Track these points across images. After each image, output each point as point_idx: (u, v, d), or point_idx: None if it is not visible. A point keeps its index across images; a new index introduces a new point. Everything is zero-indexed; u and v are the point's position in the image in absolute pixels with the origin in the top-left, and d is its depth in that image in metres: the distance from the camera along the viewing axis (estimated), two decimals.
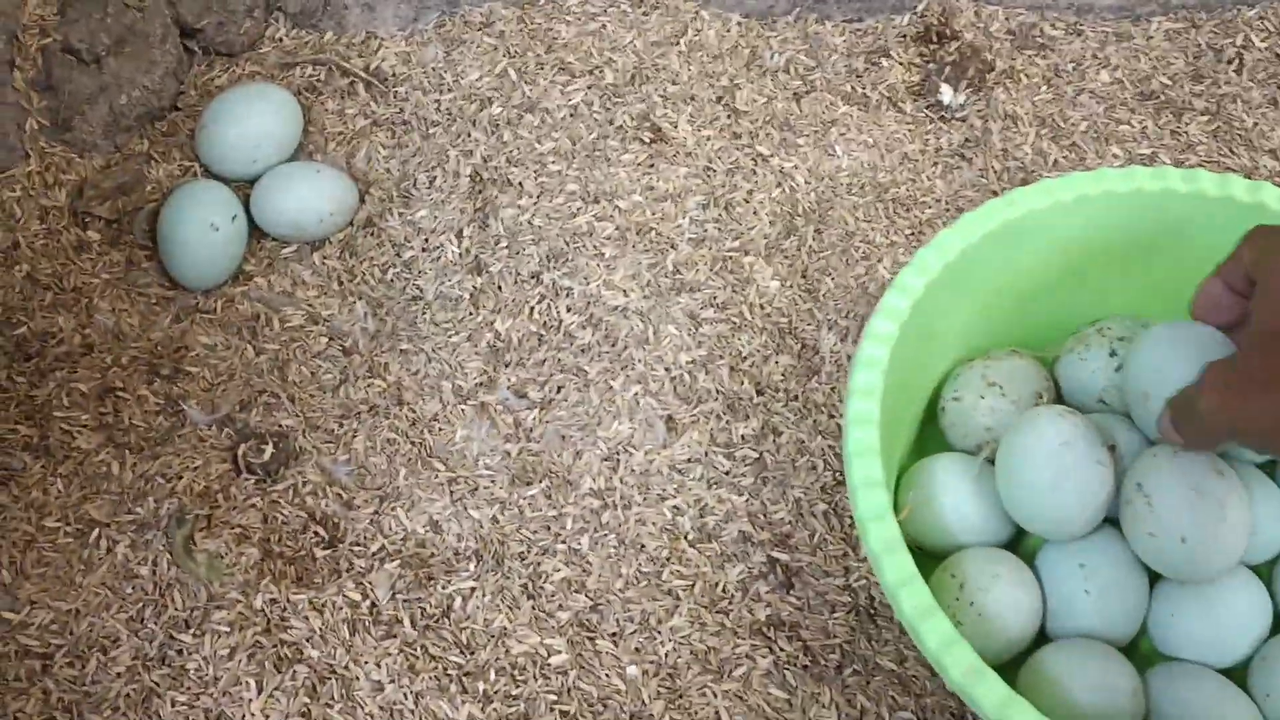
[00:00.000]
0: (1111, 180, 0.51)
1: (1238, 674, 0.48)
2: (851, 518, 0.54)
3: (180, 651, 0.51)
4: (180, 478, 0.56)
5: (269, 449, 0.58)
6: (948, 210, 0.64)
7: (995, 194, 0.65)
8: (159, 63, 0.64)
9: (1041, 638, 0.49)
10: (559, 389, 0.59)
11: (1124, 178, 0.52)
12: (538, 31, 0.67)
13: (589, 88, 0.65)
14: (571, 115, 0.65)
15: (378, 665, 0.51)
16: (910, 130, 0.67)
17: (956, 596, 0.48)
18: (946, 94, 0.67)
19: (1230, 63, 0.68)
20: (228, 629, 0.51)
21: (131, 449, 0.57)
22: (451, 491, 0.57)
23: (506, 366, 0.60)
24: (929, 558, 0.51)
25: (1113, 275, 0.55)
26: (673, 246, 0.61)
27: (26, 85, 0.63)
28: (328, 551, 0.55)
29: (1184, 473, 0.46)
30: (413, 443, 0.58)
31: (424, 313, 0.62)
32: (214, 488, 0.56)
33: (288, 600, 0.52)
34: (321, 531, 0.56)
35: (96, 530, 0.54)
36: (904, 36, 0.69)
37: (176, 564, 0.53)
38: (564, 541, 0.55)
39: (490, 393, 0.59)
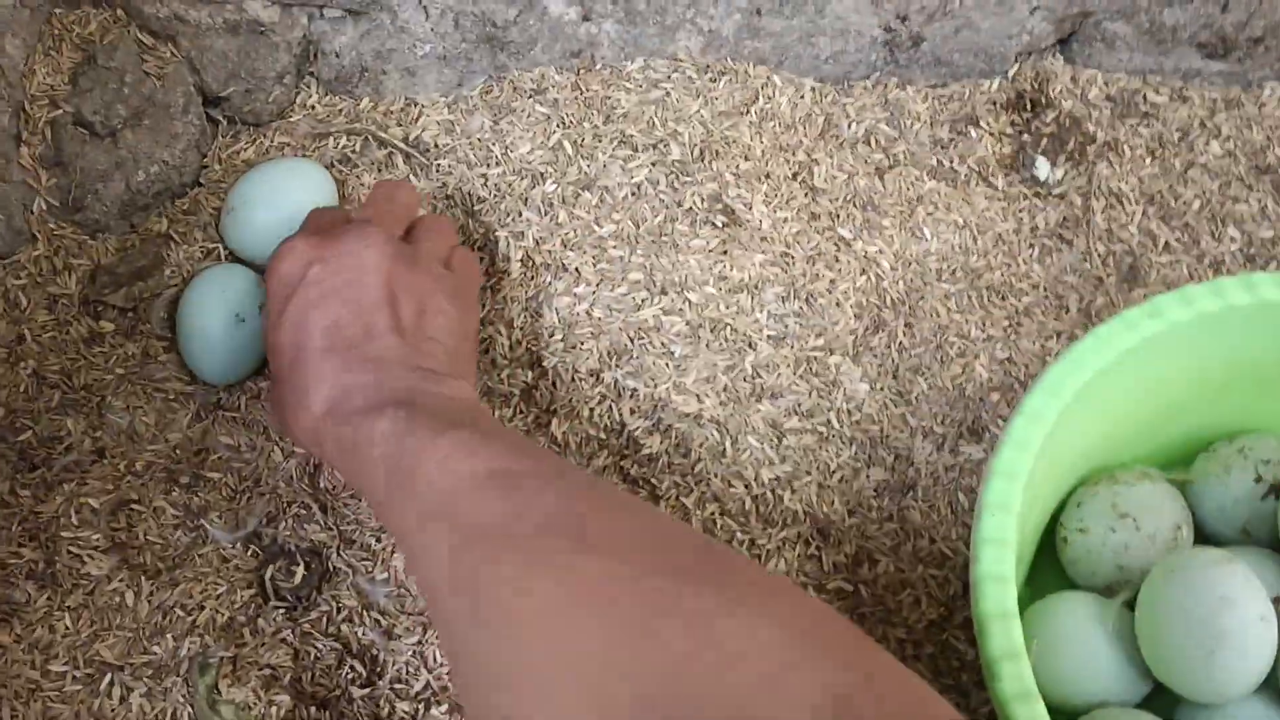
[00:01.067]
0: (1264, 288, 0.45)
1: None
2: (961, 662, 0.48)
3: None
4: (202, 608, 0.50)
5: (300, 570, 0.52)
6: (1047, 298, 0.58)
7: (1099, 280, 0.59)
8: (180, 135, 0.58)
9: None
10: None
11: (1275, 284, 0.45)
12: (594, 100, 0.61)
13: (653, 164, 0.59)
14: (634, 195, 0.59)
15: None
16: (1003, 208, 0.61)
17: None
18: (1043, 168, 0.61)
19: None
20: None
21: (148, 573, 0.51)
22: None
23: None
24: (1050, 714, 0.45)
25: (1255, 389, 0.49)
26: (750, 346, 0.55)
27: (34, 162, 0.57)
28: (365, 691, 0.49)
29: None
30: None
31: None
32: (239, 619, 0.50)
33: None
34: (359, 667, 0.50)
35: (109, 675, 0.48)
36: (994, 104, 0.63)
37: (198, 719, 0.47)
38: None
39: None
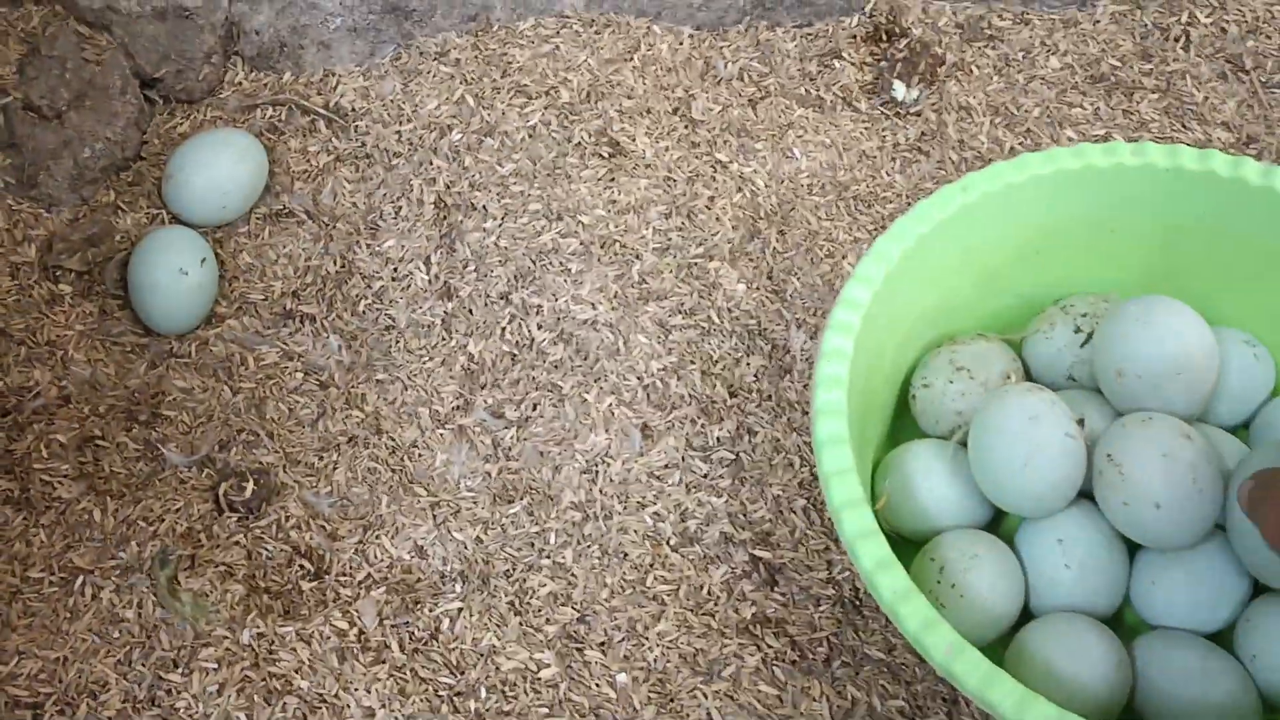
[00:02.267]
0: (1063, 159, 0.52)
1: (1223, 638, 0.48)
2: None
3: (169, 691, 0.51)
4: (162, 520, 0.56)
5: (250, 486, 0.58)
6: (908, 204, 0.65)
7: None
8: (120, 114, 0.65)
9: (1026, 616, 0.49)
10: (534, 406, 0.59)
11: (1075, 155, 0.52)
12: (493, 57, 0.68)
13: (546, 108, 0.66)
14: (530, 136, 0.65)
15: (368, 691, 0.51)
16: (866, 128, 0.67)
17: (938, 580, 0.48)
18: (900, 90, 0.67)
19: (1177, 40, 0.69)
20: (215, 665, 0.51)
21: (113, 495, 0.57)
22: (434, 516, 0.57)
23: (482, 388, 0.60)
24: (910, 545, 0.52)
25: (1073, 253, 0.55)
26: (638, 257, 0.62)
27: None
28: (314, 584, 0.55)
29: (1153, 440, 0.47)
30: (393, 470, 0.59)
31: (398, 341, 0.62)
32: (196, 528, 0.56)
33: (275, 633, 0.52)
34: (307, 564, 0.56)
35: (81, 578, 0.54)
36: (854, 37, 0.70)
37: (162, 605, 0.53)
38: (548, 556, 0.55)
39: (467, 415, 0.60)
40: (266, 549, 0.56)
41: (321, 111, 0.68)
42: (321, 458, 0.59)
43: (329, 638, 0.52)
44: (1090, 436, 0.49)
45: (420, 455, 0.59)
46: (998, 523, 0.52)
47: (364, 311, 0.64)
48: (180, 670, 0.51)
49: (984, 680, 0.40)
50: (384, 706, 0.50)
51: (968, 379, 0.53)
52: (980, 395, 0.52)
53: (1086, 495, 0.50)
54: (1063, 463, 0.48)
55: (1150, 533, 0.47)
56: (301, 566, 0.56)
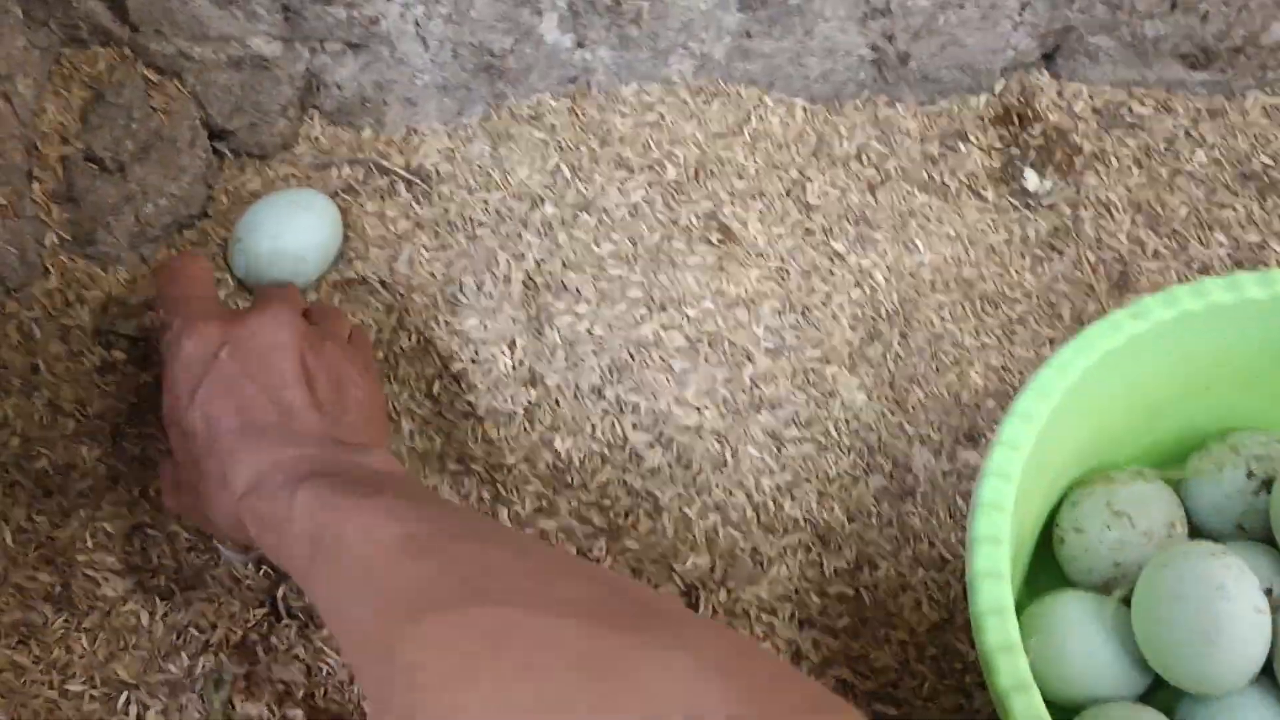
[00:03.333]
0: (1248, 286, 0.46)
1: None
2: (963, 664, 0.49)
3: None
4: (215, 627, 0.51)
5: None
6: (1039, 306, 0.59)
7: (1090, 288, 0.60)
8: (187, 168, 0.60)
9: None
10: (626, 515, 0.54)
11: (1260, 283, 0.46)
12: (591, 124, 0.63)
13: (649, 185, 0.60)
14: (632, 215, 0.60)
15: None
16: (994, 220, 0.62)
17: None
18: (1032, 180, 0.62)
19: None
20: None
21: (162, 594, 0.52)
22: None
23: (568, 488, 0.55)
24: (1051, 710, 0.46)
25: (1244, 386, 0.50)
26: (748, 358, 0.56)
27: (46, 197, 0.59)
28: None
29: None
30: None
31: (474, 430, 0.57)
32: (252, 637, 0.51)
33: None
34: None
35: (125, 693, 0.49)
36: (981, 119, 0.65)
37: None
38: None
39: (550, 518, 0.54)
40: (328, 663, 0.51)
41: (403, 173, 0.63)
42: None
43: None
44: (1274, 603, 0.44)
45: None
46: (1154, 692, 0.46)
47: (439, 394, 0.58)
48: None
49: None
50: None
51: (1128, 527, 0.47)
52: (1141, 546, 0.47)
53: (1269, 672, 0.44)
54: (1250, 641, 0.42)
55: None
56: None
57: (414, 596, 0.37)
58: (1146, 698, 0.46)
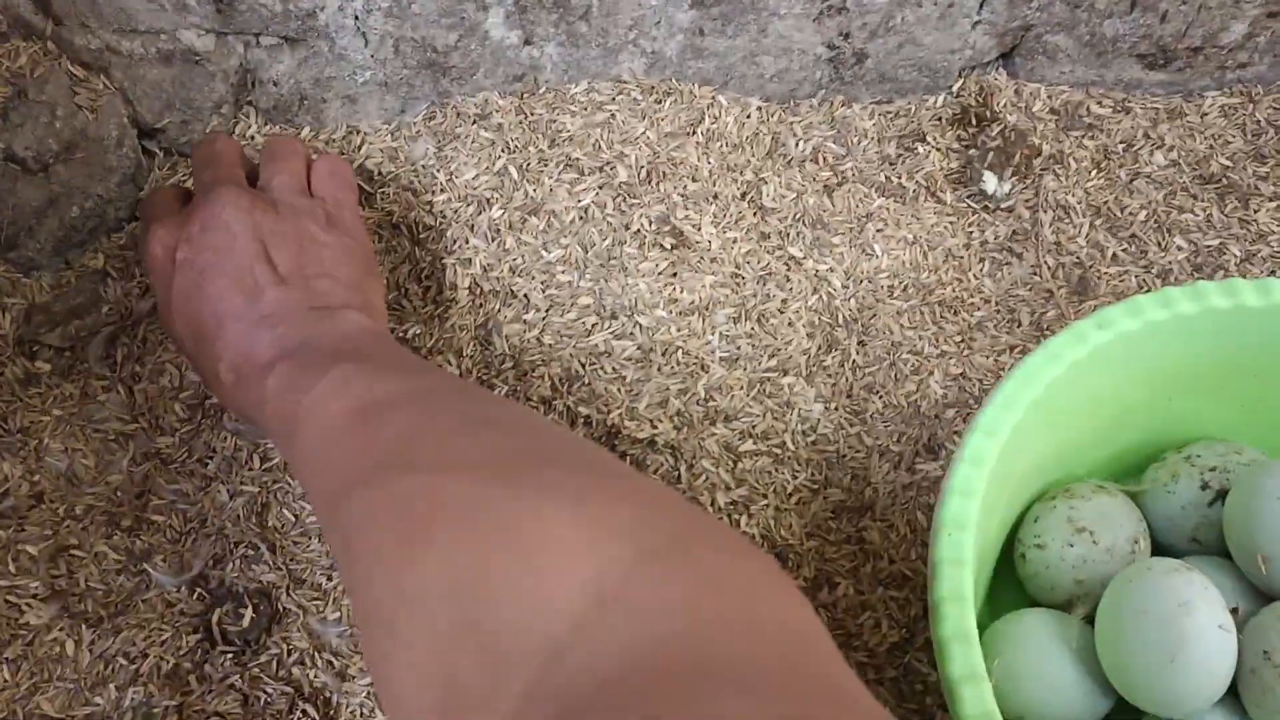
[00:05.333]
0: (1211, 296, 0.45)
1: None
2: (924, 685, 0.47)
3: None
4: (146, 656, 0.49)
5: (248, 613, 0.50)
6: (998, 312, 0.58)
7: (1050, 293, 0.59)
8: (115, 169, 0.57)
9: None
10: None
11: (1223, 292, 0.46)
12: (539, 123, 0.61)
13: (600, 187, 0.58)
14: (582, 218, 0.58)
15: None
16: (952, 223, 0.61)
17: None
18: (990, 182, 0.61)
19: None
20: None
21: (89, 621, 0.49)
22: None
23: None
24: None
25: (1206, 397, 0.49)
26: (703, 368, 0.54)
27: None
28: None
29: None
30: None
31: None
32: (184, 666, 0.49)
33: None
34: (311, 711, 0.49)
35: None
36: (939, 119, 0.63)
37: None
38: None
39: None
40: (266, 692, 0.49)
41: None
42: (330, 577, 0.52)
43: None
44: (1239, 621, 0.43)
45: None
46: (1117, 714, 0.45)
47: None
48: None
49: None
50: None
51: (1089, 543, 0.46)
52: (1105, 562, 0.45)
53: (1233, 693, 0.43)
54: (1214, 660, 0.41)
55: None
56: (305, 713, 0.48)
57: (349, 471, 0.37)
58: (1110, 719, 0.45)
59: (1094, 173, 0.62)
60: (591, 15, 0.57)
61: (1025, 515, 0.49)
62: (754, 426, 0.53)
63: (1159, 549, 0.48)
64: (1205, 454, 0.48)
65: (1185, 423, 0.50)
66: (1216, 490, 0.47)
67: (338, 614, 0.51)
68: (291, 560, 0.52)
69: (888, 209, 0.60)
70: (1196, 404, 0.49)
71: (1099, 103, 0.64)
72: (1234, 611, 0.42)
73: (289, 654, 0.50)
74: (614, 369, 0.54)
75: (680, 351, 0.55)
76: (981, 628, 0.46)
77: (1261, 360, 0.47)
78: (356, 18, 0.56)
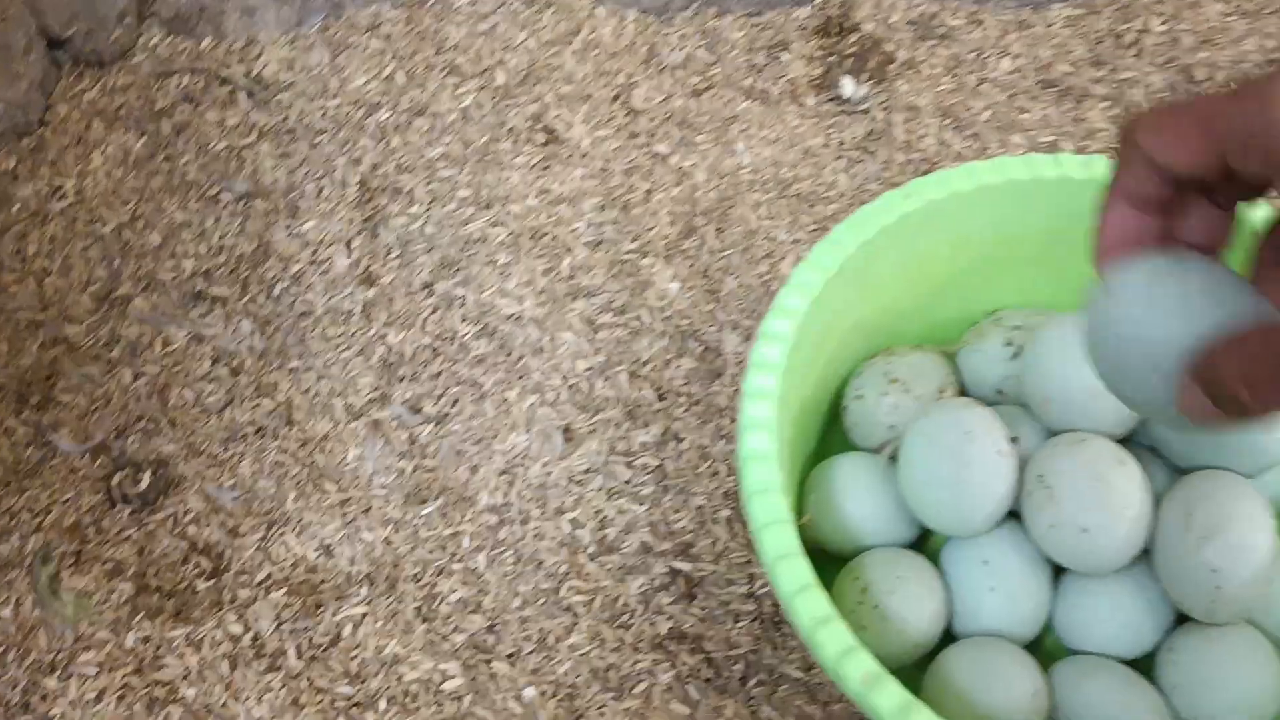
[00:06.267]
0: (1012, 169, 0.50)
1: (1143, 666, 0.46)
2: None
3: (44, 697, 0.47)
4: (48, 511, 0.53)
5: (146, 477, 0.55)
6: (851, 205, 0.63)
7: (899, 187, 0.63)
8: (23, 75, 0.61)
9: (950, 637, 0.48)
10: (454, 402, 0.57)
11: (1024, 165, 0.50)
12: (426, 33, 0.65)
13: (480, 89, 0.63)
14: (462, 119, 0.62)
15: (259, 701, 0.48)
16: (813, 125, 0.65)
17: (859, 601, 0.46)
18: (848, 87, 0.65)
19: (1130, 47, 0.68)
20: (95, 671, 0.48)
21: None
22: (344, 514, 0.54)
23: (400, 381, 0.58)
24: (836, 561, 0.50)
25: (1018, 266, 0.54)
26: (568, 250, 0.59)
27: None
28: (210, 583, 0.52)
29: (1084, 463, 0.45)
30: (303, 464, 0.56)
31: (314, 328, 0.59)
32: (85, 521, 0.53)
33: (163, 637, 0.49)
34: (204, 562, 0.53)
35: None
36: (804, 29, 0.68)
37: (41, 604, 0.50)
38: (460, 560, 0.52)
39: (383, 409, 0.57)
40: (161, 545, 0.53)
41: (242, 82, 0.64)
42: (227, 448, 0.56)
43: (221, 643, 0.49)
44: (1021, 455, 0.48)
45: (332, 449, 0.56)
46: (923, 541, 0.50)
47: (280, 295, 0.60)
48: (57, 675, 0.48)
49: (899, 712, 0.38)
50: (276, 717, 0.48)
51: (901, 392, 0.51)
52: (914, 409, 0.50)
53: (1015, 515, 0.48)
54: (993, 481, 0.46)
55: (1076, 557, 0.45)
56: (198, 564, 0.53)
57: None
58: (916, 546, 0.50)
59: (945, 78, 0.67)
60: None
61: (852, 374, 0.53)
62: (612, 302, 0.58)
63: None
64: (1011, 317, 0.53)
65: (999, 293, 0.55)
66: (1018, 347, 0.52)
67: (233, 480, 0.55)
68: (190, 434, 0.56)
69: (752, 111, 0.65)
70: (1008, 274, 0.54)
71: (953, 15, 0.69)
72: (1014, 440, 0.47)
73: (185, 514, 0.54)
74: (488, 254, 0.59)
75: (548, 236, 0.59)
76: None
77: (1062, 228, 0.52)
78: None
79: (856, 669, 0.39)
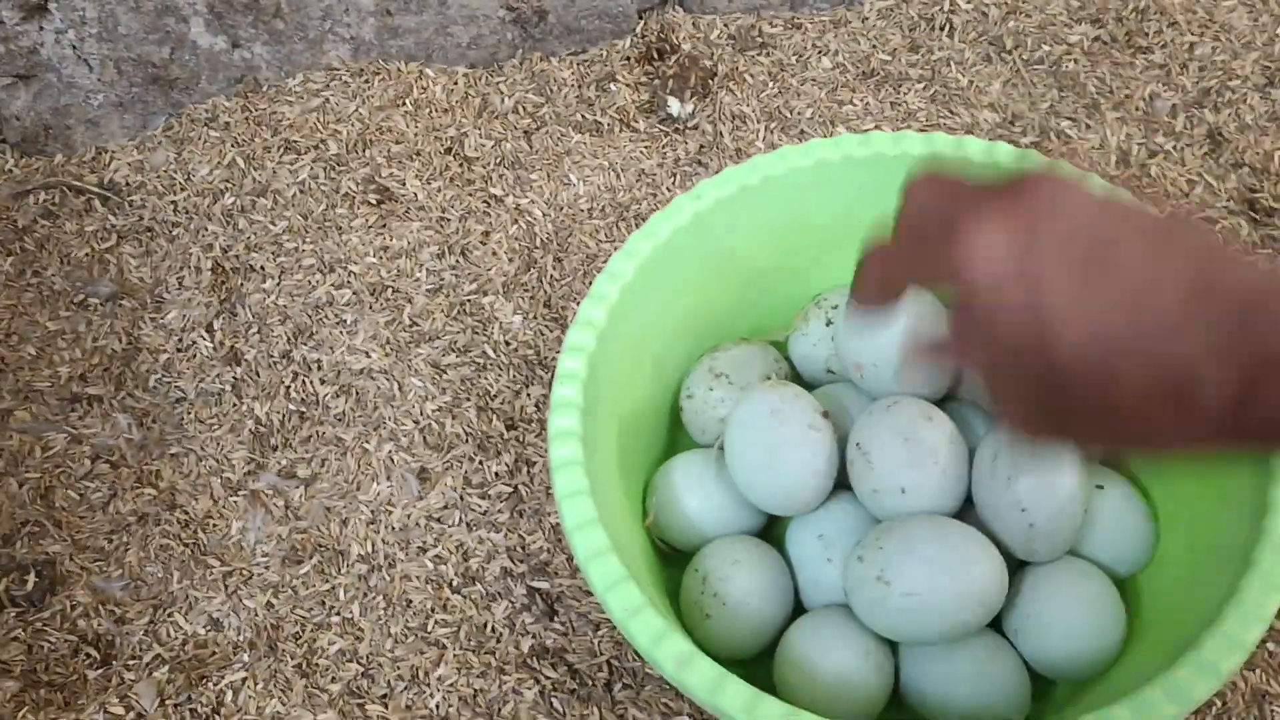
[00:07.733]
0: (821, 150, 0.51)
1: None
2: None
3: None
4: None
5: (31, 579, 0.56)
6: None
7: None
8: None
9: (802, 613, 0.49)
10: (323, 462, 0.58)
11: (833, 146, 0.52)
12: (262, 117, 0.68)
13: (314, 161, 0.65)
14: (300, 191, 0.65)
15: None
16: (646, 147, 0.67)
17: (701, 591, 0.47)
18: (674, 106, 0.68)
19: (942, 29, 0.70)
20: None
21: None
22: (226, 585, 0.56)
23: (274, 450, 0.59)
24: (679, 556, 0.51)
25: (833, 248, 0.55)
26: (409, 301, 0.61)
27: None
28: (99, 671, 0.54)
29: (895, 425, 0.46)
30: (186, 545, 0.57)
31: (189, 413, 0.61)
32: None
33: None
34: (93, 652, 0.54)
35: None
36: (628, 59, 0.70)
37: None
38: (337, 613, 0.54)
39: (258, 479, 0.59)
40: (49, 641, 0.55)
41: (95, 189, 0.67)
42: (112, 540, 0.58)
43: None
44: (846, 427, 0.49)
45: (214, 526, 0.58)
46: (772, 528, 0.52)
47: (154, 386, 0.63)
48: None
49: (712, 688, 0.39)
50: None
51: (727, 385, 0.52)
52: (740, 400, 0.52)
53: (850, 488, 0.49)
54: (809, 456, 0.47)
55: (900, 517, 0.46)
56: (88, 655, 0.54)
57: None
58: (765, 533, 0.51)
59: (769, 84, 0.69)
60: (283, 12, 0.65)
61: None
62: (455, 342, 0.59)
63: (804, 384, 0.54)
64: (832, 297, 0.54)
65: (819, 280, 0.56)
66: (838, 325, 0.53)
67: (120, 570, 0.57)
68: (76, 531, 0.58)
69: (585, 143, 0.67)
70: (823, 260, 0.55)
71: (770, 24, 0.71)
72: (825, 414, 0.48)
73: (73, 609, 0.56)
74: (336, 315, 0.61)
75: (390, 290, 0.61)
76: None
77: (876, 206, 0.54)
78: (74, 47, 0.63)
79: (669, 652, 0.40)
